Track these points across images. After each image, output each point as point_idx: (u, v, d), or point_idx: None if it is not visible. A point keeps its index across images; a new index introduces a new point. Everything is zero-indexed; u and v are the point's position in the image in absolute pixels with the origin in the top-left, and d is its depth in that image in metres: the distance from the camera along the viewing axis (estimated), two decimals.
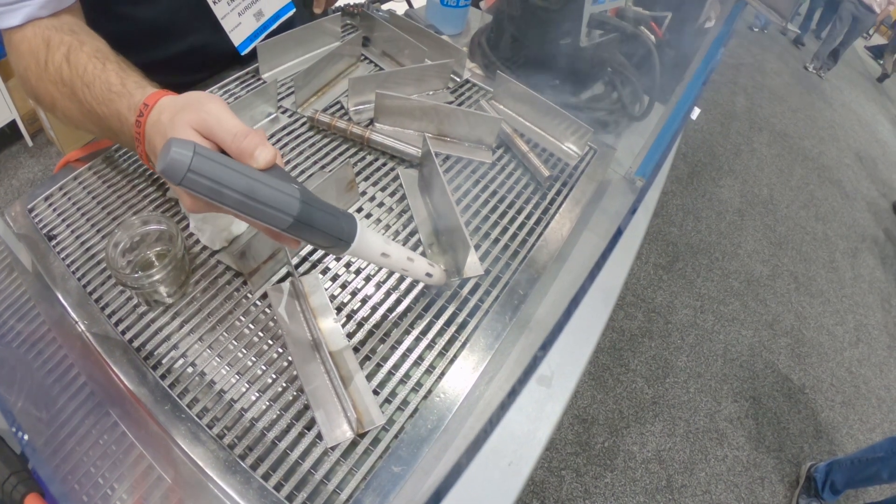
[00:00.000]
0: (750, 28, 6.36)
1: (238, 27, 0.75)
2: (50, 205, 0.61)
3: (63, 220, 0.60)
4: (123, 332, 0.51)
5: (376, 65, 0.90)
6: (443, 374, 0.52)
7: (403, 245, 0.51)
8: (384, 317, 0.56)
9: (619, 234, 0.55)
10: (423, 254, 0.63)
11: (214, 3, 0.70)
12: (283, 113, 0.76)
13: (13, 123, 2.12)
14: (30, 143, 2.21)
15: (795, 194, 3.67)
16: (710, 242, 2.91)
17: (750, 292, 2.69)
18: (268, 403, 0.47)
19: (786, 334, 2.54)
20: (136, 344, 0.50)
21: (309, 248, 0.60)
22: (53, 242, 0.58)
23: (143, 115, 0.46)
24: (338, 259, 0.60)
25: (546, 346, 0.42)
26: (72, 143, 2.20)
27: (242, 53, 0.79)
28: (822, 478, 1.85)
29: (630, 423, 1.93)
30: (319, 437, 0.46)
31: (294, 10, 0.83)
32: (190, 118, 0.40)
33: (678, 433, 1.96)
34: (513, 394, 0.39)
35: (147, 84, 0.50)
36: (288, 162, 0.70)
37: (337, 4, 1.01)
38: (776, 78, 5.49)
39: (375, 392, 0.50)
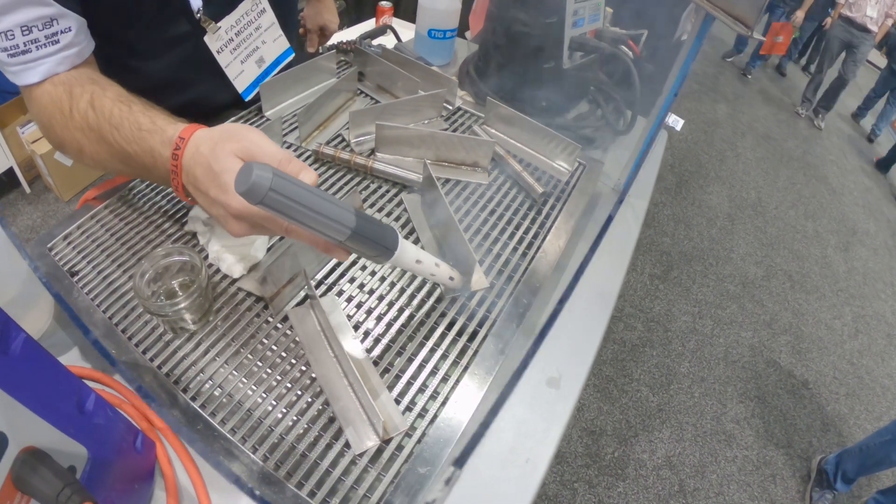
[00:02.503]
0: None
1: (241, 75, 0.79)
2: (69, 243, 0.64)
3: (83, 257, 0.62)
4: (151, 360, 0.53)
5: (372, 98, 0.95)
6: (458, 381, 0.55)
7: None
8: (399, 332, 0.59)
9: (609, 220, 0.59)
10: None
11: (218, 52, 0.74)
12: (289, 148, 0.80)
13: (10, 171, 2.12)
14: (27, 190, 2.22)
15: (783, 195, 3.74)
16: (702, 249, 2.95)
17: (746, 294, 2.72)
18: (295, 418, 0.50)
19: (785, 332, 2.57)
20: (164, 370, 0.53)
21: (323, 272, 0.64)
22: (76, 278, 0.60)
23: (181, 149, 0.48)
24: (351, 281, 0.63)
25: (541, 337, 0.45)
26: (69, 189, 2.20)
27: (246, 99, 0.82)
28: (833, 469, 1.86)
29: (638, 431, 1.94)
30: (347, 446, 0.48)
31: (293, 55, 0.88)
32: (233, 147, 0.43)
33: (686, 438, 1.97)
34: (513, 381, 0.43)
35: (175, 120, 0.53)
36: None
37: (330, 42, 1.07)
38: (755, 83, 5.62)
39: (396, 401, 0.52)
